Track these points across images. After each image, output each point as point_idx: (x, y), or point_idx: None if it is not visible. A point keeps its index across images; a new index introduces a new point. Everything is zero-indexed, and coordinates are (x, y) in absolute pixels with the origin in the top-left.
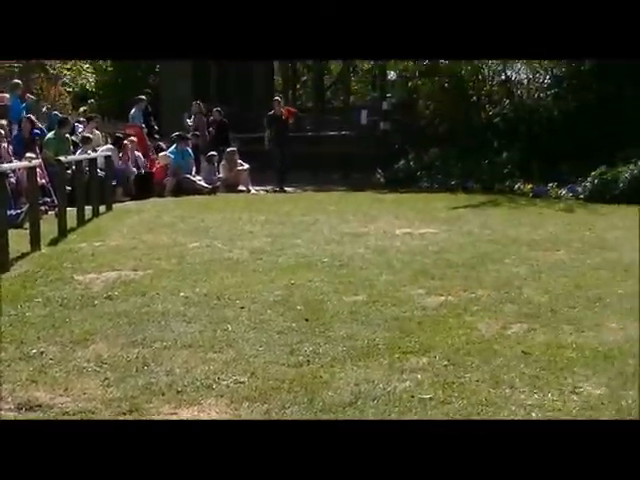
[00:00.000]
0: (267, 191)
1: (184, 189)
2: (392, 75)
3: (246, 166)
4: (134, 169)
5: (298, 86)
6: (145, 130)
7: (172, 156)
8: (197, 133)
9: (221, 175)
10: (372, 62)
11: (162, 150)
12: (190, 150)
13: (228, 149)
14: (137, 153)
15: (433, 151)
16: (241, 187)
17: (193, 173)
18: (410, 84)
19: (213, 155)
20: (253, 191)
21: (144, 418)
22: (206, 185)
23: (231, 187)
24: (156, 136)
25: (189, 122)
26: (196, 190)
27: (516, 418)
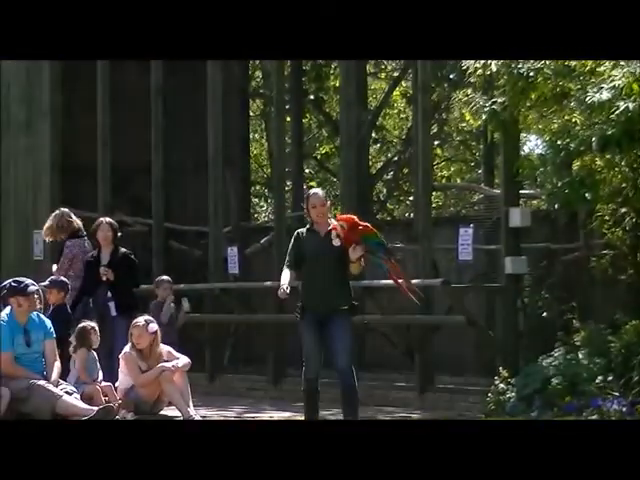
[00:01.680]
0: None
1: (31, 413)
2: (535, 143)
3: (183, 360)
4: None
5: (307, 169)
6: None
7: None
8: (62, 279)
9: (123, 381)
10: (483, 113)
11: None
12: (46, 322)
13: (137, 320)
14: None
15: None
16: (168, 409)
17: (55, 374)
18: (577, 163)
19: (88, 329)
20: (193, 415)
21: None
22: (81, 404)
23: (145, 408)
24: None
25: (38, 253)
26: (65, 416)
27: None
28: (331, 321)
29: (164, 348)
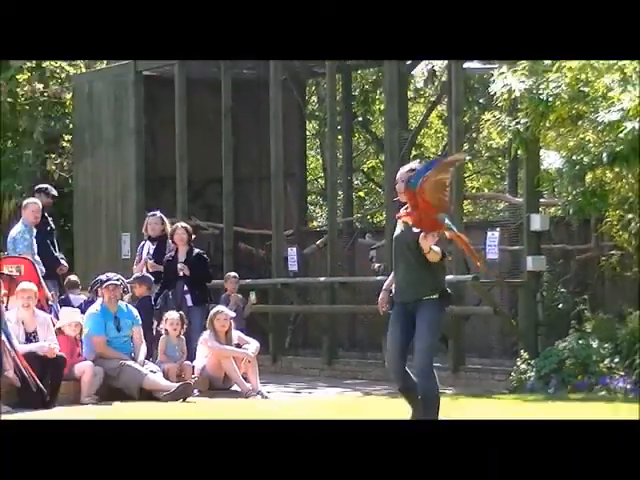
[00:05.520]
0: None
1: (122, 389)
2: (556, 160)
3: (254, 345)
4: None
5: (356, 180)
6: (41, 268)
7: (89, 320)
8: (145, 275)
9: (199, 362)
10: (508, 132)
11: (69, 305)
12: (133, 311)
13: (215, 310)
14: (24, 313)
15: None
16: (236, 386)
17: (141, 355)
18: (590, 176)
19: (168, 320)
20: (264, 392)
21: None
22: (164, 381)
23: (218, 384)
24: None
25: (126, 253)
26: (150, 391)
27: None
28: (417, 313)
29: (235, 333)
